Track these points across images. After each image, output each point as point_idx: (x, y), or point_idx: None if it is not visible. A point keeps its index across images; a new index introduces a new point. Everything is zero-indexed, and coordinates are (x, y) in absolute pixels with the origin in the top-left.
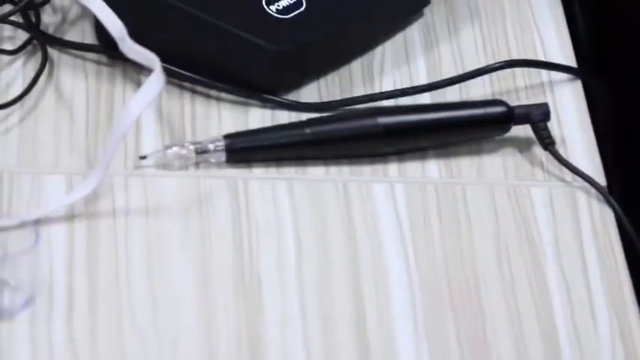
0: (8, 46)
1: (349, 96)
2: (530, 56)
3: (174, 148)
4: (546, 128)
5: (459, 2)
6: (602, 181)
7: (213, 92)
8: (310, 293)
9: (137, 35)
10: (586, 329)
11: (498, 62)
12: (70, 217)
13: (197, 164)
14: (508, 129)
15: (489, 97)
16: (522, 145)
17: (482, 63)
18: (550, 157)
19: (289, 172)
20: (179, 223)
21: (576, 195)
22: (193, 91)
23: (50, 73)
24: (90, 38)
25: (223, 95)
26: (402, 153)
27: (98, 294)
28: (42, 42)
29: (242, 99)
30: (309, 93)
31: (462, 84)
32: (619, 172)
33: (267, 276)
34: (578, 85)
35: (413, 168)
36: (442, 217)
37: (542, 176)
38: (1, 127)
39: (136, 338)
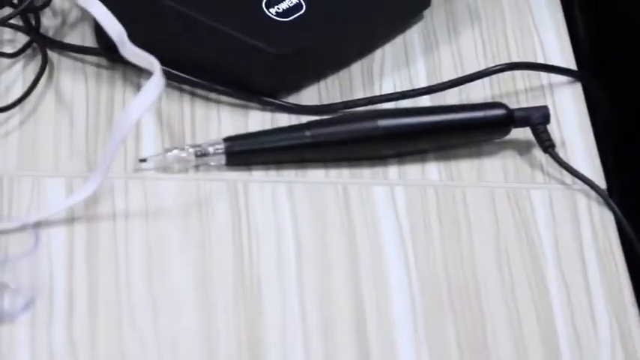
0: (8, 49)
1: (349, 99)
2: (530, 59)
3: (174, 151)
4: (546, 131)
5: (458, 5)
6: (602, 183)
7: (213, 95)
8: (310, 296)
9: (137, 38)
10: (586, 332)
11: (498, 65)
12: (70, 220)
13: (197, 167)
14: (508, 132)
15: (489, 100)
16: (522, 148)
17: (482, 66)
18: (550, 159)
19: (289, 174)
20: (179, 226)
21: (576, 198)
22: (193, 94)
23: (50, 76)
24: (90, 41)
25: (223, 98)
26: (402, 156)
27: (98, 297)
28: (42, 45)
29: (242, 102)
30: (309, 96)
31: (462, 87)
32: (619, 175)
33: (267, 279)
34: (578, 87)
35: (413, 171)
36: (442, 220)
37: (542, 179)
38: (1, 130)
39: (135, 341)
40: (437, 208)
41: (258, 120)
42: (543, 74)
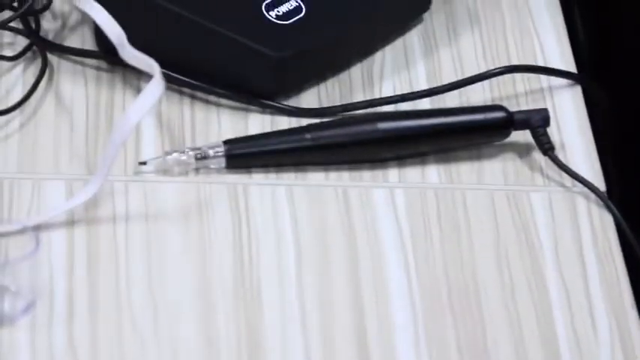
0: (8, 53)
1: (349, 101)
2: (530, 62)
3: (174, 154)
4: (546, 134)
5: (458, 8)
6: (601, 186)
7: (213, 98)
8: (310, 299)
9: (136, 41)
10: (586, 334)
11: (498, 68)
12: (71, 222)
13: (197, 170)
14: (508, 134)
15: (489, 103)
16: (522, 151)
17: (482, 69)
18: (550, 162)
19: (289, 177)
20: (179, 229)
21: (576, 200)
22: (193, 97)
23: (50, 79)
24: (90, 44)
25: (223, 101)
26: (401, 158)
27: (98, 299)
28: (42, 48)
29: (242, 105)
30: (308, 98)
31: (462, 89)
32: (618, 178)
33: (267, 281)
34: (577, 90)
35: (413, 173)
36: (442, 223)
37: (542, 181)
38: (1, 133)
39: (136, 344)
40: (437, 210)
41: (258, 123)
42: (543, 77)
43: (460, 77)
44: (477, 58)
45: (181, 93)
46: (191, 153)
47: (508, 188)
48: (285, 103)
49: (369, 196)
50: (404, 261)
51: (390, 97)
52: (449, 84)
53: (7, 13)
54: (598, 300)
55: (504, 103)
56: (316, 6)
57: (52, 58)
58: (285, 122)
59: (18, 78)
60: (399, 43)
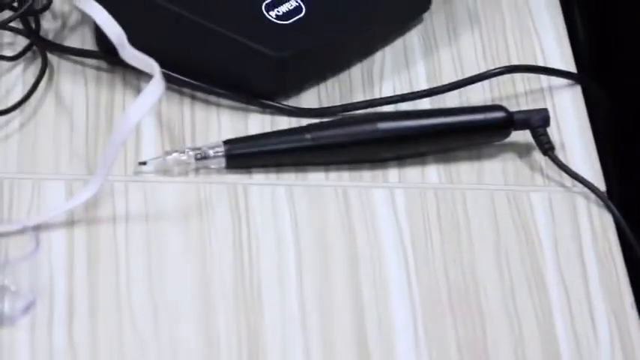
0: (8, 53)
1: (349, 101)
2: (530, 62)
3: (174, 154)
4: (546, 134)
5: (458, 8)
6: (601, 186)
7: (213, 98)
8: (310, 299)
9: (137, 41)
10: (585, 334)
11: (498, 68)
12: (70, 222)
13: (197, 170)
14: (508, 134)
15: (489, 103)
16: (522, 151)
17: (482, 69)
18: (549, 162)
19: (289, 177)
20: (179, 229)
21: (576, 200)
22: (193, 97)
23: (50, 79)
24: (90, 44)
25: (223, 101)
26: (401, 158)
27: (98, 299)
28: (42, 48)
29: (242, 105)
30: (308, 98)
31: (462, 89)
32: (618, 178)
33: (267, 281)
34: (577, 90)
35: (413, 173)
36: (442, 223)
37: (542, 181)
38: (1, 133)
39: (136, 344)
40: (437, 210)
41: (258, 123)
42: (543, 77)
43: (460, 77)
44: (477, 58)
45: (181, 93)
46: (191, 153)
47: (508, 188)
48: (285, 103)
49: (369, 196)
50: (404, 261)
51: (390, 97)
52: (449, 84)
53: (7, 13)
54: (598, 300)
55: (504, 103)
56: (316, 6)
57: (52, 58)
58: (285, 122)
59: (18, 78)
60: (399, 43)
